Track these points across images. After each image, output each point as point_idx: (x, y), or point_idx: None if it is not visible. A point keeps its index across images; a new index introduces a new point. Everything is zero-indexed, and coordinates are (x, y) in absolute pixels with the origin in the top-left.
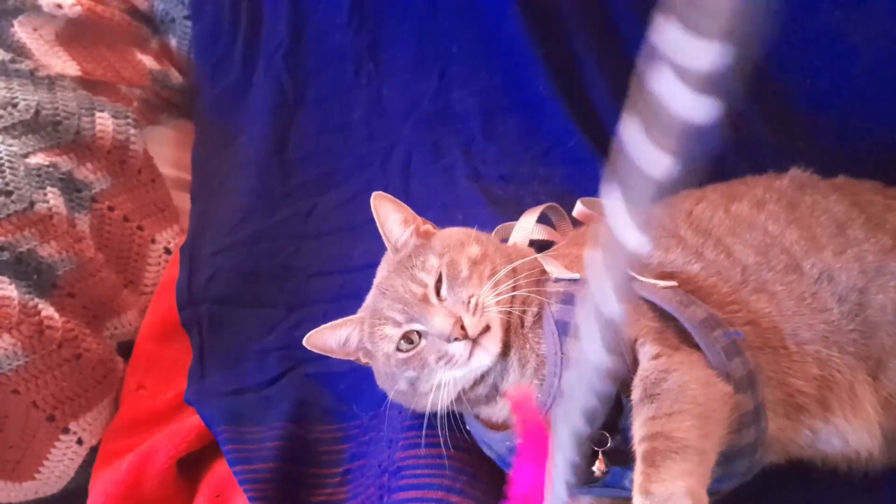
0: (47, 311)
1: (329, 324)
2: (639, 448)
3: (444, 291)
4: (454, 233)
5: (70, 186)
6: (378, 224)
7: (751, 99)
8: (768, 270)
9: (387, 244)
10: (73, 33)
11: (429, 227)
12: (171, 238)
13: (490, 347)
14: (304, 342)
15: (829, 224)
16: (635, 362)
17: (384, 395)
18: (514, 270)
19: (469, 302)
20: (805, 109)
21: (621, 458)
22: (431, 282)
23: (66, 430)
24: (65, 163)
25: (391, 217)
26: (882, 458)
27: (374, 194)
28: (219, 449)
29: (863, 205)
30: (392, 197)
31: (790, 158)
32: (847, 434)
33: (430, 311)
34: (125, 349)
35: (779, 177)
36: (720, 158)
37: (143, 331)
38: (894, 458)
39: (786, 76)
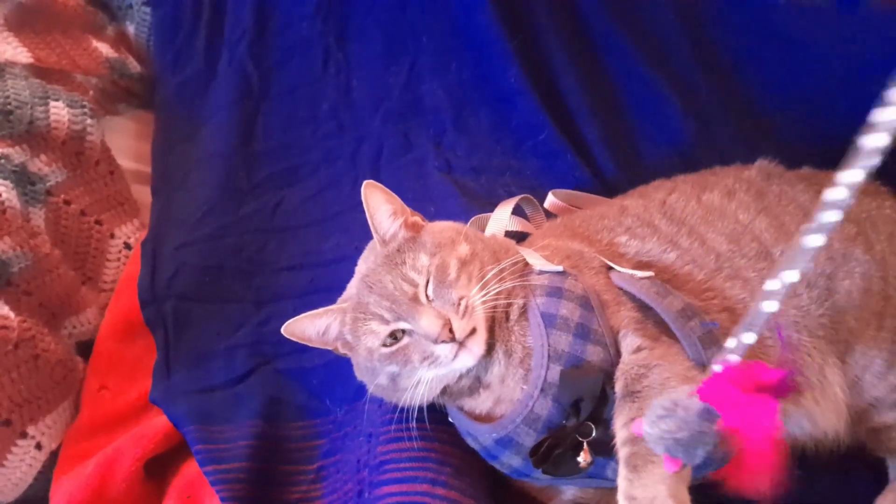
0: (2, 310)
1: (309, 312)
2: (621, 451)
3: (430, 291)
4: (444, 229)
5: (23, 179)
6: (367, 214)
7: (715, 94)
8: (741, 257)
9: (374, 235)
10: (24, 18)
11: (417, 219)
12: (131, 233)
13: (474, 349)
14: (283, 330)
15: (797, 212)
16: (618, 353)
17: (358, 390)
18: (501, 270)
19: (459, 304)
20: (766, 105)
21: (604, 448)
22: (423, 282)
23: (23, 435)
24: (17, 154)
25: (381, 208)
26: (846, 438)
27: (365, 183)
28: (187, 449)
29: None
30: (383, 187)
31: (754, 151)
32: (816, 416)
33: (419, 312)
34: (85, 349)
35: (747, 167)
36: (688, 150)
37: (104, 329)
38: (858, 438)
39: (747, 73)
